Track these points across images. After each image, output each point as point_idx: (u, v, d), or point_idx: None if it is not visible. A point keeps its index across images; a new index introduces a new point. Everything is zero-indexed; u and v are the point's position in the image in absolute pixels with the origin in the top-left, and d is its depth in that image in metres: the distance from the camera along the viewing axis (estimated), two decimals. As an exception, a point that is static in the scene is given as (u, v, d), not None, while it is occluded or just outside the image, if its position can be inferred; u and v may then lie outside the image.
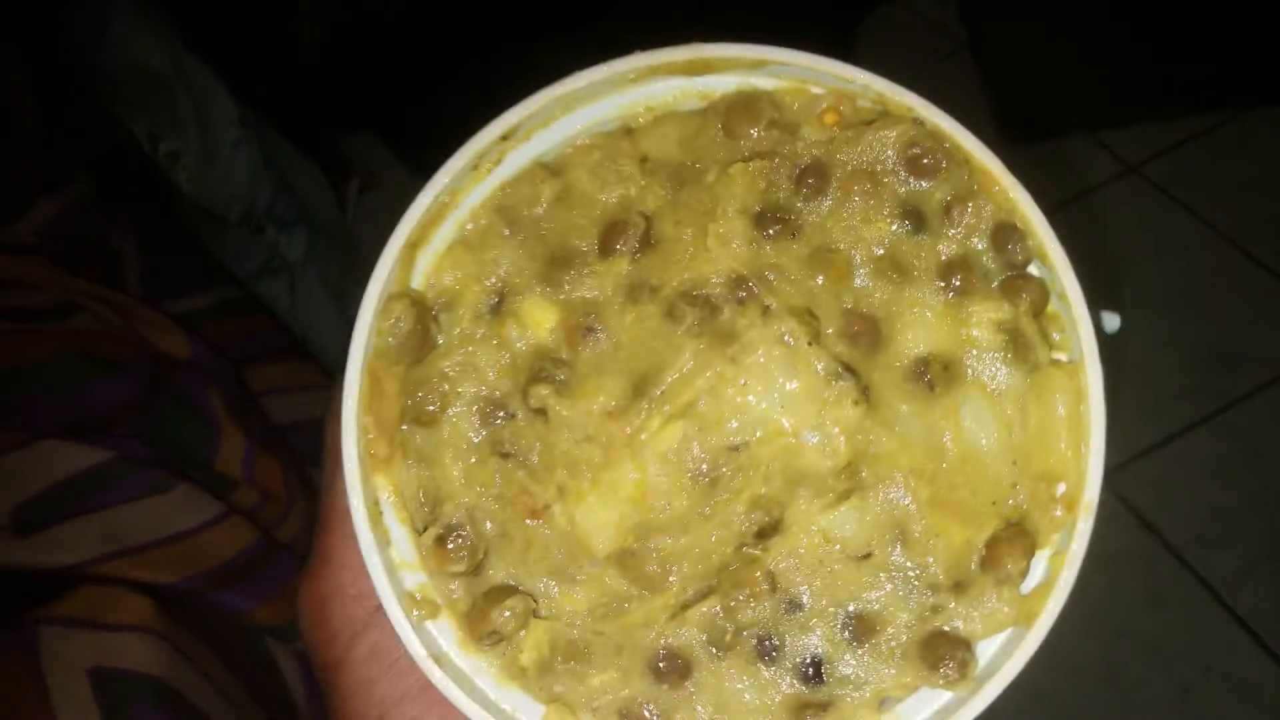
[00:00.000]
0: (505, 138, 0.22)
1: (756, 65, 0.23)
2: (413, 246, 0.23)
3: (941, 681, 0.20)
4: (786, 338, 0.21)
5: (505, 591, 0.20)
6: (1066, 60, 1.43)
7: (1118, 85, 1.43)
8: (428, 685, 0.21)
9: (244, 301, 0.67)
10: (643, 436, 0.21)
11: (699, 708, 0.19)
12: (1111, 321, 0.25)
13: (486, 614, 0.20)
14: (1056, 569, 0.21)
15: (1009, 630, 0.20)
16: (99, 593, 0.42)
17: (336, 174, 1.21)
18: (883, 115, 0.23)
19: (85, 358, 0.49)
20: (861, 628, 0.20)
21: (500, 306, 0.22)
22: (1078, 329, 0.22)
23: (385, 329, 0.22)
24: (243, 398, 0.57)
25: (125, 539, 0.44)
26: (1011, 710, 0.79)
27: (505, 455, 0.21)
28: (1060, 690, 1.04)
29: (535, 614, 0.20)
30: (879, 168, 0.23)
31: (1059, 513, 0.21)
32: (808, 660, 0.20)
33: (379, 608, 0.22)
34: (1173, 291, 1.29)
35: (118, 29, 0.76)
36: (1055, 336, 0.22)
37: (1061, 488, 0.21)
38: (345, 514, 0.23)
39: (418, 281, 0.22)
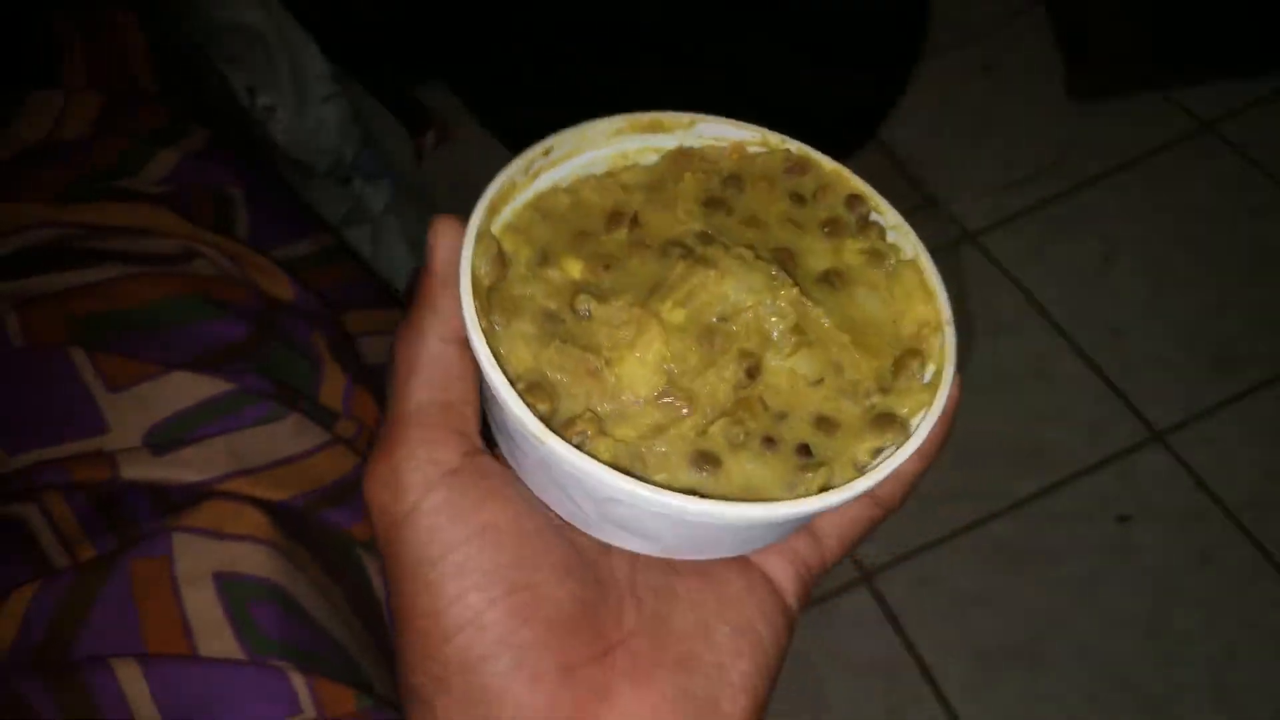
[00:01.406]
0: (546, 153, 0.34)
1: (690, 125, 0.36)
2: (491, 211, 0.32)
3: (890, 438, 0.30)
4: (741, 255, 0.31)
5: (580, 417, 0.29)
6: (1139, 18, 1.42)
7: (1192, 43, 1.41)
8: (490, 525, 0.27)
9: (338, 250, 0.72)
10: (661, 316, 0.30)
11: (730, 484, 0.29)
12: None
13: (567, 432, 0.28)
14: (940, 364, 0.31)
15: (924, 408, 0.30)
16: (223, 506, 0.48)
17: (414, 127, 1.25)
18: (768, 150, 0.36)
19: (206, 299, 0.54)
20: (828, 423, 0.30)
21: (544, 261, 0.32)
22: (910, 238, 0.34)
23: (481, 249, 0.30)
24: (341, 338, 0.62)
25: (246, 460, 0.50)
26: (1059, 660, 0.84)
27: (564, 341, 0.29)
28: (1107, 645, 1.07)
29: (601, 432, 0.29)
30: (771, 174, 0.36)
31: (930, 333, 0.32)
32: (798, 445, 0.30)
33: (454, 471, 0.27)
34: (1242, 255, 1.29)
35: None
36: (903, 251, 0.34)
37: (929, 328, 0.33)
38: (415, 413, 0.28)
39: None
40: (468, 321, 0.28)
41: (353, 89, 0.97)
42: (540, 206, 0.33)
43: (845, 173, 0.35)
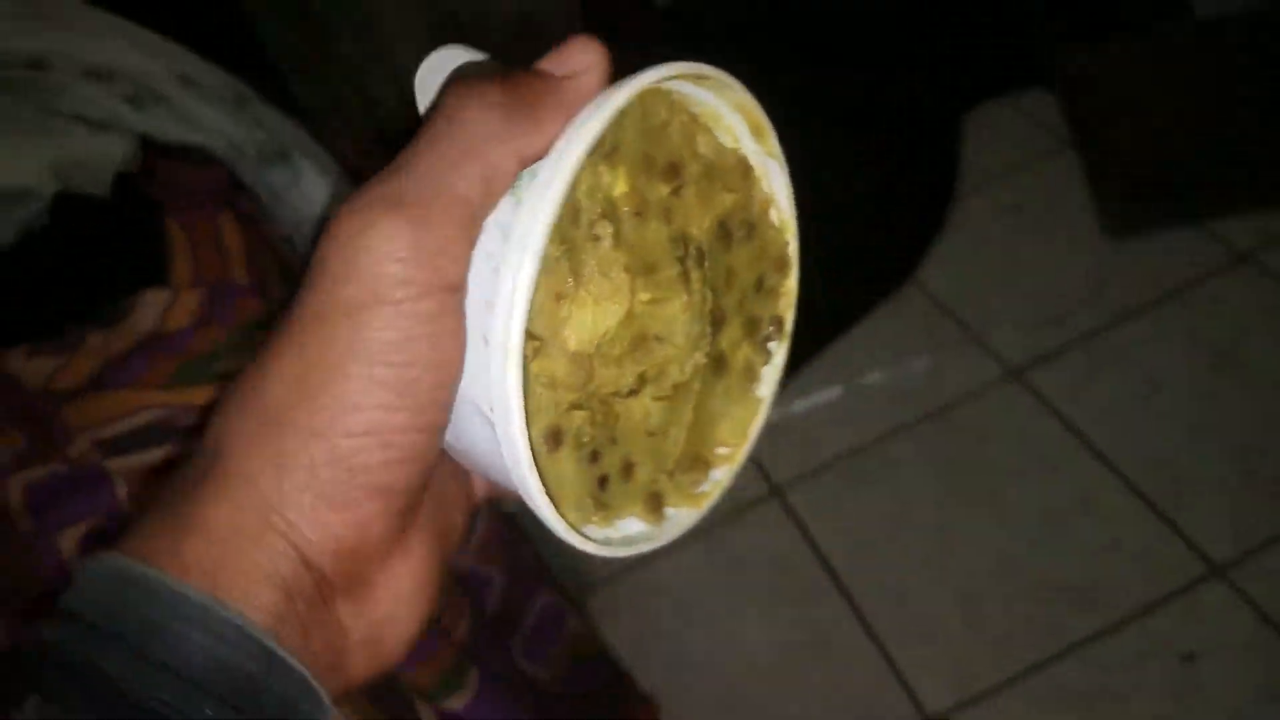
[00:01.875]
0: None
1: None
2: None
3: (653, 518, 0.33)
4: (706, 297, 0.33)
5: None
6: (1166, 152, 1.48)
7: (1221, 174, 1.47)
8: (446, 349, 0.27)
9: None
10: (633, 301, 0.31)
11: (549, 466, 0.30)
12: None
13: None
14: (709, 497, 0.34)
15: (686, 506, 0.33)
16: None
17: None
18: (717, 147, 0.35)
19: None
20: (629, 471, 0.32)
21: (611, 151, 0.30)
22: (772, 385, 0.36)
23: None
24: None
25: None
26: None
27: (564, 243, 0.29)
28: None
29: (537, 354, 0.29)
30: (711, 173, 0.35)
31: (720, 462, 0.35)
32: (601, 477, 0.32)
33: (451, 287, 0.27)
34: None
35: (305, 185, 0.93)
36: (760, 388, 0.36)
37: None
38: (469, 208, 0.26)
39: None
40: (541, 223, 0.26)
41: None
42: (626, 118, 0.30)
43: (789, 247, 0.35)
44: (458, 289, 0.26)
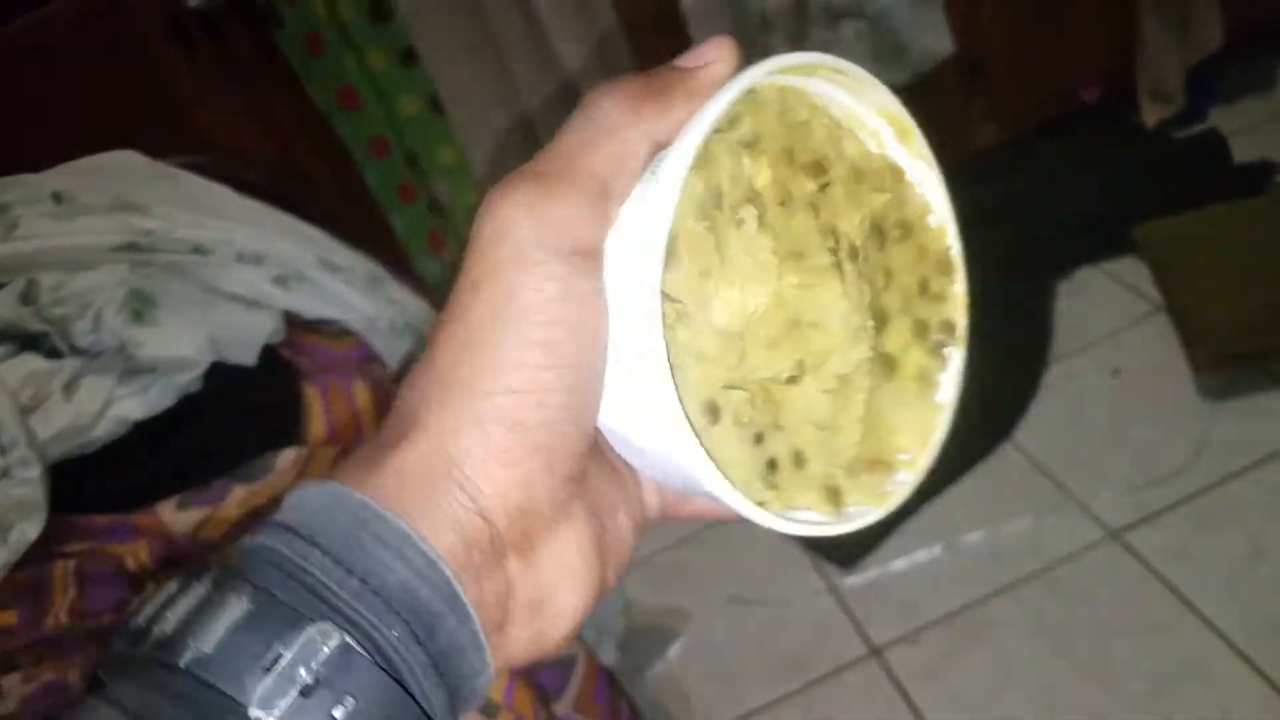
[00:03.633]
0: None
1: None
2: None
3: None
4: (864, 289, 0.32)
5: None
6: (1260, 316, 1.49)
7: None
8: (586, 322, 0.29)
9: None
10: (781, 282, 0.31)
11: (707, 442, 0.29)
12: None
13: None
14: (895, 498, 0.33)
15: (872, 505, 0.33)
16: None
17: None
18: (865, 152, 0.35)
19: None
20: (799, 459, 0.32)
21: (751, 143, 0.31)
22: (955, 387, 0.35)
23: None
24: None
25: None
26: None
27: (708, 222, 0.29)
28: None
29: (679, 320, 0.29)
30: (859, 174, 0.34)
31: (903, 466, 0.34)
32: (769, 460, 0.31)
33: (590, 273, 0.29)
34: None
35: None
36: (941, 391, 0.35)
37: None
38: (606, 188, 0.29)
39: None
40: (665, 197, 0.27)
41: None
42: (756, 92, 0.31)
43: (953, 254, 0.35)
44: (590, 254, 0.28)
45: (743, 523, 0.29)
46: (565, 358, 0.27)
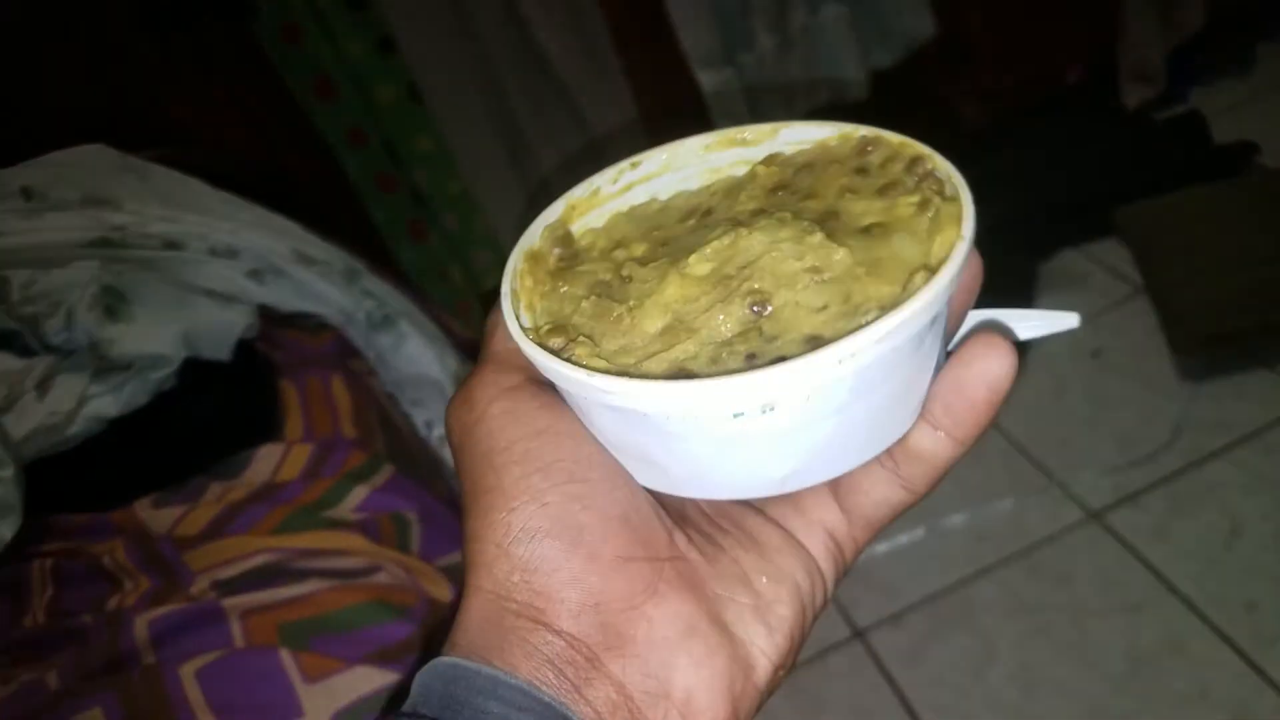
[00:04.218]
0: (634, 166, 0.37)
1: (774, 133, 0.37)
2: (570, 210, 0.36)
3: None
4: (782, 217, 0.32)
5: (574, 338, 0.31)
6: (1237, 299, 1.50)
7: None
8: (549, 429, 0.30)
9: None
10: (686, 269, 0.31)
11: None
12: (1069, 320, 0.36)
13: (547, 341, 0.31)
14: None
15: None
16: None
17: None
18: (844, 138, 0.36)
19: (384, 604, 0.69)
20: (817, 341, 0.29)
21: (615, 247, 0.35)
22: (958, 181, 0.32)
23: (546, 231, 0.35)
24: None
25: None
26: None
27: (600, 296, 0.32)
28: None
29: (594, 354, 0.30)
30: (842, 157, 0.35)
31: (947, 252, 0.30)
32: (775, 358, 0.28)
33: (515, 387, 0.31)
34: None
35: (409, 348, 1.02)
36: (946, 189, 0.33)
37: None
38: (488, 358, 0.32)
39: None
40: (507, 273, 0.32)
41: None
42: (633, 214, 0.36)
43: (911, 141, 0.34)
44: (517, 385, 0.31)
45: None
46: (538, 460, 0.29)
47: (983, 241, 0.31)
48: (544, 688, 0.27)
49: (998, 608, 1.38)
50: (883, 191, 0.33)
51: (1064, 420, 1.55)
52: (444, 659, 0.28)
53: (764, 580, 0.31)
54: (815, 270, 0.30)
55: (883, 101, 1.83)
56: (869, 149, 0.35)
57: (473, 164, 1.75)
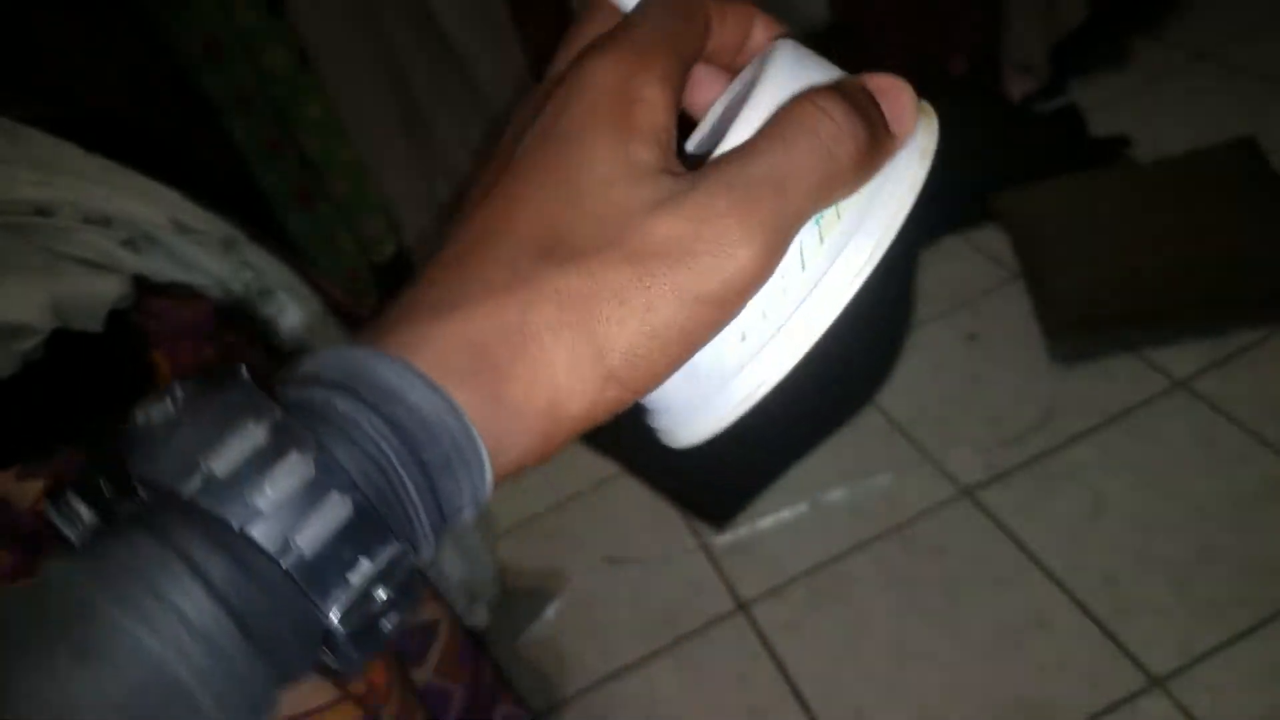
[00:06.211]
0: None
1: None
2: None
3: None
4: None
5: None
6: (1108, 286, 1.57)
7: (1158, 307, 1.55)
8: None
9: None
10: None
11: None
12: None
13: None
14: None
15: None
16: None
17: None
18: None
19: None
20: None
21: None
22: None
23: None
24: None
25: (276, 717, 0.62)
26: None
27: None
28: None
29: None
30: None
31: None
32: None
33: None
34: (1223, 503, 1.37)
35: (288, 320, 1.01)
36: None
37: None
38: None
39: None
40: None
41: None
42: None
43: None
44: None
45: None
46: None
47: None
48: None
49: (873, 581, 1.43)
50: None
51: (940, 400, 1.61)
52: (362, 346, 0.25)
53: None
54: None
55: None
56: None
57: (364, 131, 1.73)
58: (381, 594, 0.23)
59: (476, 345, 0.24)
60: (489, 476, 0.25)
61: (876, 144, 0.28)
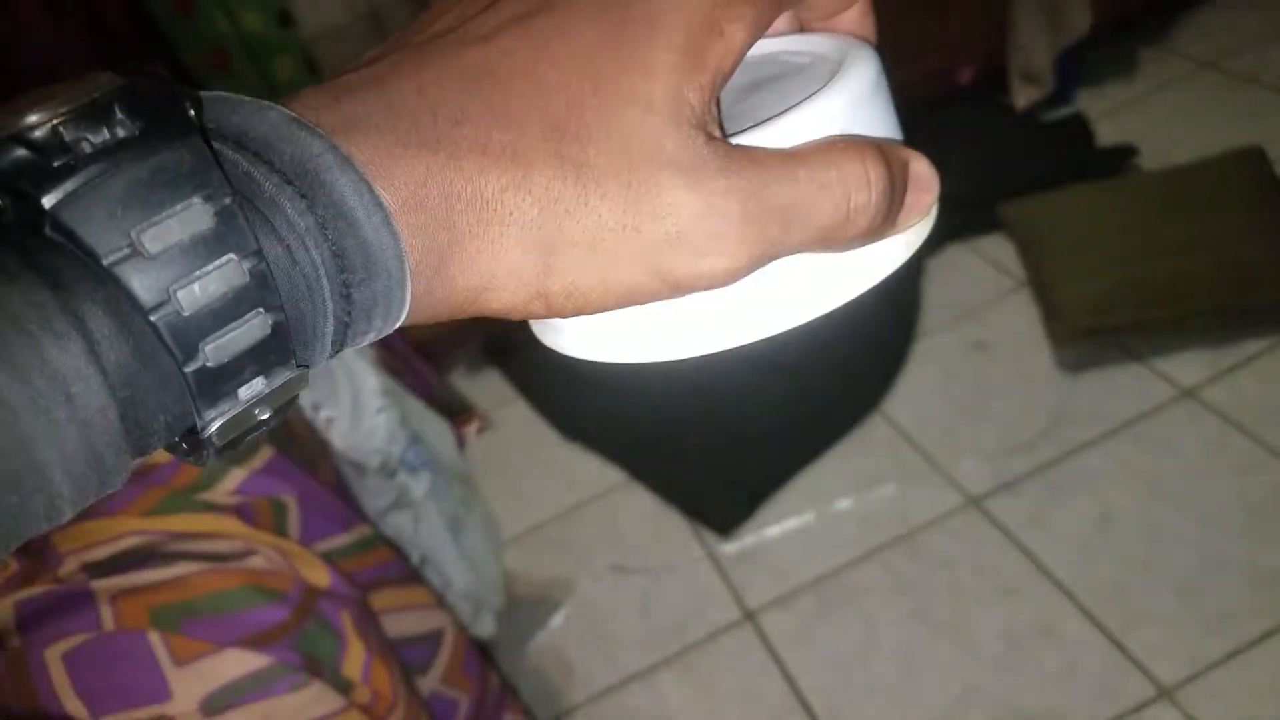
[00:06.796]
0: None
1: None
2: None
3: None
4: None
5: None
6: (1116, 294, 1.57)
7: (1169, 314, 1.55)
8: None
9: (375, 537, 0.87)
10: None
11: None
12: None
13: None
14: None
15: None
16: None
17: (456, 420, 1.42)
18: None
19: (257, 589, 0.68)
20: None
21: None
22: None
23: None
24: (366, 616, 0.75)
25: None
26: None
27: None
28: None
29: None
30: None
31: None
32: None
33: None
34: (1231, 511, 1.36)
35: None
36: None
37: None
38: None
39: None
40: None
41: (403, 400, 1.16)
42: None
43: None
44: None
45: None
46: None
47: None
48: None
49: (881, 590, 1.43)
50: None
51: (948, 410, 1.61)
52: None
53: None
54: None
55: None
56: None
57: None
58: (259, 414, 0.22)
59: (449, 198, 0.23)
60: (393, 328, 0.24)
61: (887, 223, 0.28)
